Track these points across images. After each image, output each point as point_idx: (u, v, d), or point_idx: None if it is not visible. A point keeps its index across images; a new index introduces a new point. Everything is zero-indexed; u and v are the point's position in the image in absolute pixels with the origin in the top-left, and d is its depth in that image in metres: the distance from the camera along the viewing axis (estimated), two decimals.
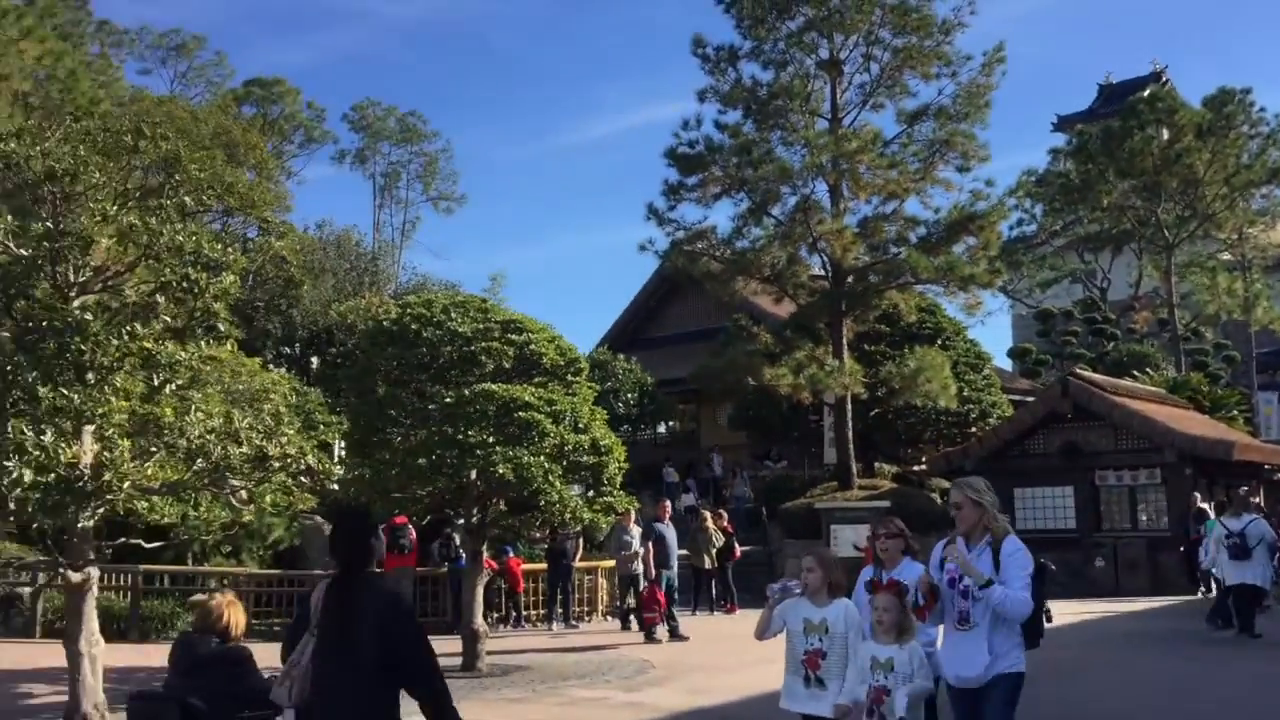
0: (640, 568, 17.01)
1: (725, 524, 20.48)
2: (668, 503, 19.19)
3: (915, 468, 28.01)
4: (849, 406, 24.40)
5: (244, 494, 9.96)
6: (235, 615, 6.01)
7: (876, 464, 27.76)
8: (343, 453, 16.43)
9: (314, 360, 29.58)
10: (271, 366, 21.33)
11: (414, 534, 17.47)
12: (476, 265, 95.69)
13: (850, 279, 24.84)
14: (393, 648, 4.44)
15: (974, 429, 27.48)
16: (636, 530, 17.31)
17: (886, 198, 24.69)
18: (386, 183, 53.28)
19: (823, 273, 25.66)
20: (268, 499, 10.32)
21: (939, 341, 27.35)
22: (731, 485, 28.82)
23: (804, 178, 24.36)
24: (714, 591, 20.07)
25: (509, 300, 41.76)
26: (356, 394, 14.41)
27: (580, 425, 13.25)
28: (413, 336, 13.36)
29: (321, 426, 16.19)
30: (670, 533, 17.34)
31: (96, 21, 38.25)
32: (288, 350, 30.15)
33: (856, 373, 23.87)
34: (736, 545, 20.61)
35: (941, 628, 5.80)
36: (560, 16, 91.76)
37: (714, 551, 19.55)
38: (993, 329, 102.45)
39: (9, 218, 8.94)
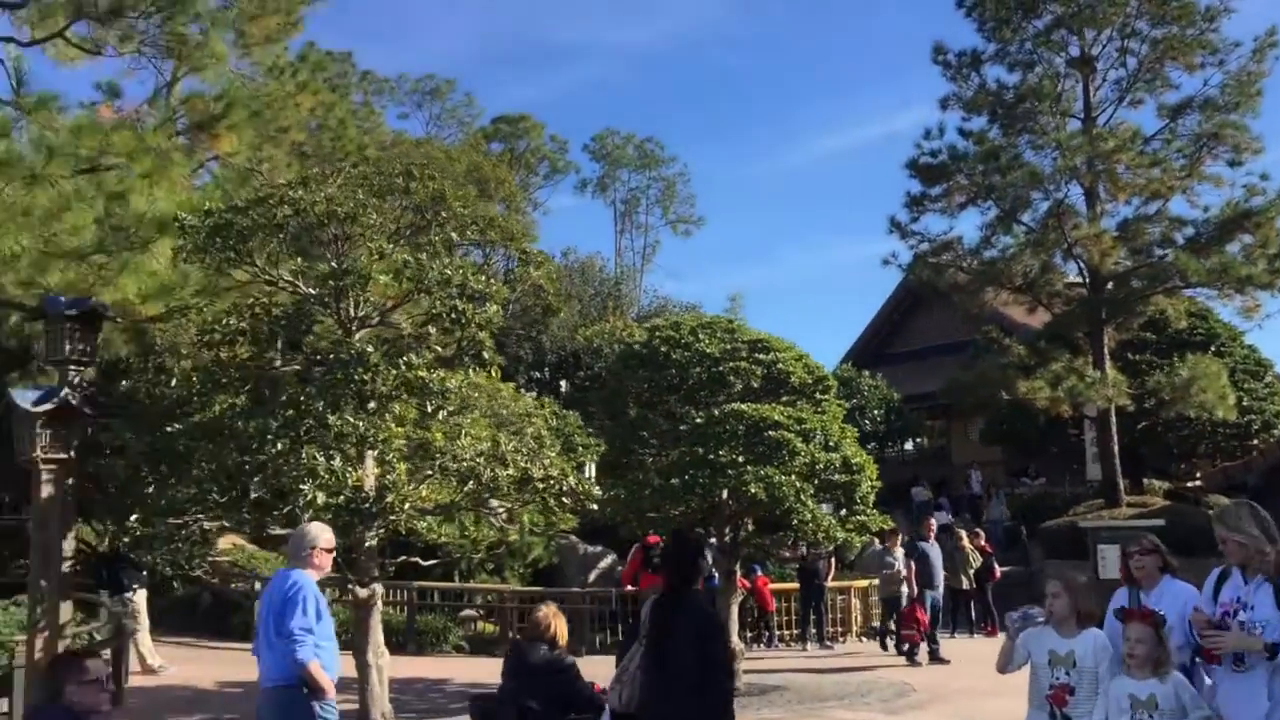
0: (904, 589, 16.58)
1: (983, 543, 19.82)
2: (933, 520, 18.54)
3: (1189, 484, 26.24)
4: (1113, 419, 23.13)
5: (504, 514, 10.42)
6: (560, 625, 6.52)
7: (1145, 480, 26.17)
8: (593, 473, 16.90)
9: (562, 384, 30.60)
10: (523, 391, 22.19)
11: None
12: (714, 286, 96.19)
13: (1110, 285, 23.60)
14: (701, 662, 4.65)
15: (1256, 441, 25.54)
16: (899, 552, 16.88)
17: (1148, 198, 23.34)
18: (626, 209, 54.66)
19: (1079, 280, 24.46)
20: (526, 518, 10.74)
21: (1212, 348, 25.66)
22: (987, 505, 27.79)
23: (1056, 182, 23.41)
24: (973, 613, 19.42)
25: (748, 319, 41.82)
26: (609, 416, 14.76)
27: (831, 443, 13.10)
28: (662, 359, 13.58)
29: (580, 449, 16.70)
30: (935, 551, 16.79)
31: (360, 72, 41.11)
32: (538, 375, 31.34)
33: (1120, 383, 22.63)
34: (996, 565, 19.85)
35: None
36: (790, 32, 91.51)
37: (971, 572, 18.92)
38: (1272, 333, 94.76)
39: (298, 259, 9.72)
